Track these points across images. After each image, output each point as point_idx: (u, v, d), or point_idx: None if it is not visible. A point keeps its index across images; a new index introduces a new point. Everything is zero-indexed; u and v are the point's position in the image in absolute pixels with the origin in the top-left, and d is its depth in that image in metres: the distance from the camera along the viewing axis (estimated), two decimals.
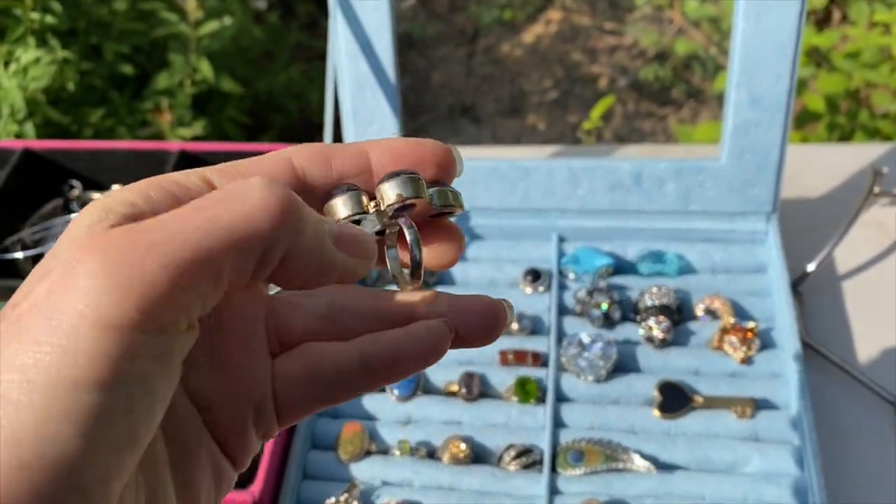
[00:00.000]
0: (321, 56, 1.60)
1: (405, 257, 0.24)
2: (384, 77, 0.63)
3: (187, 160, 0.72)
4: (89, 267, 0.17)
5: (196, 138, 1.33)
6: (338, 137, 0.67)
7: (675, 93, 1.60)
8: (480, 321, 0.22)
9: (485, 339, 0.22)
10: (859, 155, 0.75)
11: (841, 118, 1.41)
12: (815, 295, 0.66)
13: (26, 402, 0.16)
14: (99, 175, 0.75)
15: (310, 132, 1.57)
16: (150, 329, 0.17)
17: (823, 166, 0.75)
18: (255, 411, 0.22)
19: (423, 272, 0.23)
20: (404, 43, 1.63)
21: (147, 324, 0.17)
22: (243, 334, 0.22)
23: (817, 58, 1.52)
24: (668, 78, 1.60)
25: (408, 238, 0.22)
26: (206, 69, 1.34)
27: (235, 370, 0.21)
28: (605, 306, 0.61)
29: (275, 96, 1.54)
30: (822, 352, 0.62)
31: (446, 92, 1.57)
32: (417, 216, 0.23)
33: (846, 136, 1.37)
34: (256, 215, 0.18)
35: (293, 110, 1.54)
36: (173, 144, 0.72)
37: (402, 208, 0.22)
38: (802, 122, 1.42)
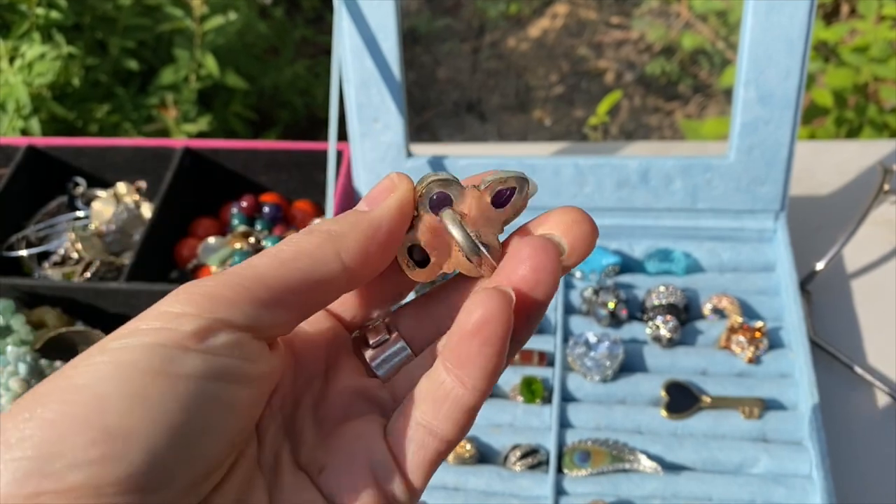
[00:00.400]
0: (326, 51, 1.60)
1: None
2: (389, 73, 0.63)
3: (192, 158, 0.72)
4: None
5: (201, 134, 1.32)
6: (342, 134, 0.67)
7: (681, 87, 1.59)
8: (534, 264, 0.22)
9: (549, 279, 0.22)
10: (868, 152, 0.74)
11: (849, 113, 1.40)
12: (823, 294, 0.65)
13: None
14: (103, 172, 0.75)
15: (315, 128, 1.56)
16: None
17: (832, 163, 0.74)
18: (373, 472, 0.23)
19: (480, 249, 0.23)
20: (409, 38, 1.63)
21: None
22: (347, 403, 0.24)
23: (825, 52, 1.50)
24: (675, 72, 1.59)
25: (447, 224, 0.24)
26: (211, 64, 1.34)
27: (344, 435, 0.23)
28: (611, 305, 0.61)
29: (280, 92, 1.53)
30: (831, 351, 0.61)
31: (452, 87, 1.56)
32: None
33: (854, 132, 1.36)
34: None
35: (298, 106, 1.54)
36: (178, 142, 0.72)
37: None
38: (810, 117, 1.41)
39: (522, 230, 0.24)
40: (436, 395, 0.22)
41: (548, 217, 0.23)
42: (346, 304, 0.26)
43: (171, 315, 0.20)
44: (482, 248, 0.23)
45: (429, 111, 1.52)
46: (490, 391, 0.22)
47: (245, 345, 0.21)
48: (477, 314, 0.21)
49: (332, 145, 0.62)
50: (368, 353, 0.26)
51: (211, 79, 1.37)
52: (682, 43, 1.60)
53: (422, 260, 0.24)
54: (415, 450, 0.22)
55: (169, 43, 1.40)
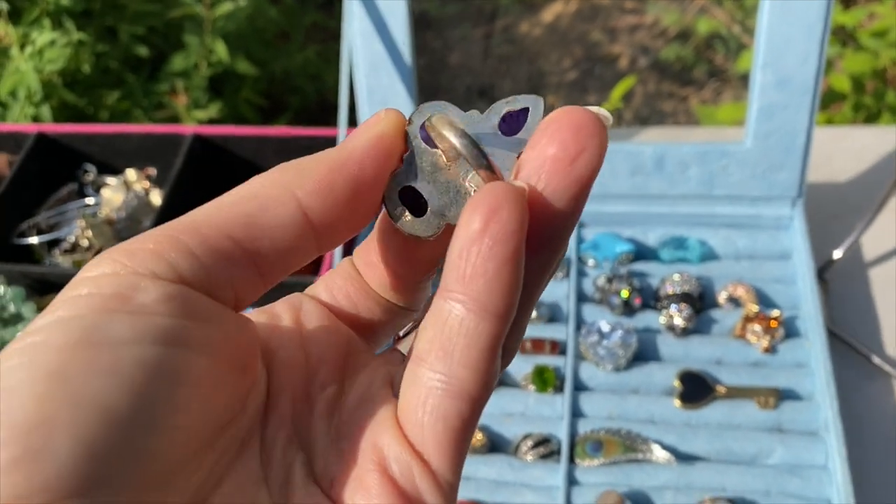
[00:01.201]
0: (337, 36, 1.59)
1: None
2: (399, 57, 0.62)
3: (201, 144, 0.71)
4: None
5: (212, 121, 1.32)
6: (352, 120, 0.66)
7: (696, 73, 1.57)
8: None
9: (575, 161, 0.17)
10: (887, 138, 0.73)
11: (867, 98, 1.38)
12: (841, 283, 0.64)
13: None
14: (113, 159, 0.74)
15: (326, 113, 1.56)
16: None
17: (850, 150, 0.73)
18: (388, 470, 0.18)
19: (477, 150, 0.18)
20: (420, 23, 1.61)
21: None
22: (366, 406, 0.19)
23: (843, 36, 1.48)
24: (690, 58, 1.57)
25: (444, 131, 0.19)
26: (221, 50, 1.33)
27: (355, 437, 0.19)
28: (624, 294, 0.60)
29: (290, 77, 1.52)
30: (848, 341, 0.61)
31: (464, 73, 1.55)
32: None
33: (872, 117, 1.33)
34: None
35: (309, 92, 1.53)
36: (187, 128, 0.71)
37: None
38: (827, 103, 1.38)
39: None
40: (443, 337, 0.17)
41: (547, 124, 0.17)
42: (358, 297, 0.22)
43: (89, 280, 0.16)
44: (487, 155, 0.18)
45: (440, 96, 1.51)
46: (512, 317, 0.17)
47: (187, 301, 0.17)
48: (480, 209, 0.16)
49: (342, 131, 0.62)
50: (399, 345, 0.22)
51: (221, 65, 1.36)
52: (697, 27, 1.58)
53: (418, 206, 0.20)
54: (431, 423, 0.17)
55: (179, 29, 1.40)
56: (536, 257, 0.17)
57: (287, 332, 0.21)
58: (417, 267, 0.21)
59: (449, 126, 0.18)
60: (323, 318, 0.21)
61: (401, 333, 0.22)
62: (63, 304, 0.16)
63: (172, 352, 0.16)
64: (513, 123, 0.19)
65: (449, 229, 0.19)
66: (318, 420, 0.20)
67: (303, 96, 1.54)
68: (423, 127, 0.19)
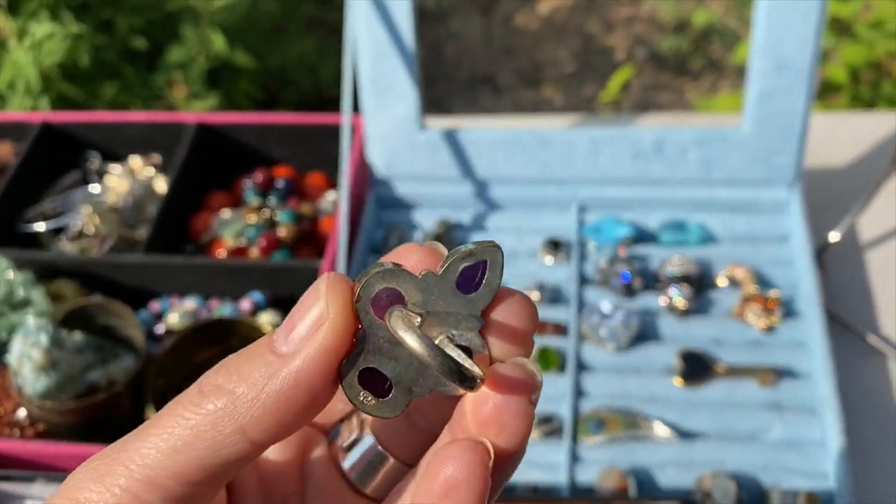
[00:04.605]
0: (335, 29, 1.59)
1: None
2: (402, 45, 0.63)
3: (204, 132, 0.72)
4: None
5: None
6: (355, 108, 0.67)
7: (693, 64, 1.57)
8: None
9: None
10: (884, 124, 0.74)
11: (864, 89, 1.39)
12: (838, 264, 0.65)
13: None
14: (116, 147, 0.75)
15: (323, 107, 1.56)
16: None
17: (848, 135, 0.74)
18: None
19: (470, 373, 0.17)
20: (420, 14, 1.61)
21: None
22: None
23: (839, 28, 1.49)
24: (687, 49, 1.58)
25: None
26: (219, 42, 1.34)
27: None
28: (622, 275, 0.61)
29: (287, 70, 1.53)
30: (845, 321, 0.62)
31: (462, 63, 1.56)
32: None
33: (869, 108, 1.34)
34: None
35: (307, 84, 1.53)
36: (190, 116, 0.72)
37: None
38: (824, 94, 1.39)
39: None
40: None
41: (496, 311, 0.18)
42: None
43: None
44: (459, 357, 0.17)
45: (441, 85, 1.52)
46: None
47: None
48: (446, 472, 0.17)
49: (345, 118, 0.62)
50: (344, 461, 0.21)
51: (219, 57, 1.36)
52: (693, 19, 1.59)
53: (379, 384, 0.19)
54: None
55: (177, 21, 1.40)
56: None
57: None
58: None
59: (409, 331, 0.17)
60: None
61: (344, 446, 0.22)
62: None
63: None
64: (471, 277, 0.18)
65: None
66: None
67: (299, 89, 1.54)
68: (373, 300, 0.18)
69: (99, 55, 1.34)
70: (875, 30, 1.38)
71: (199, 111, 1.32)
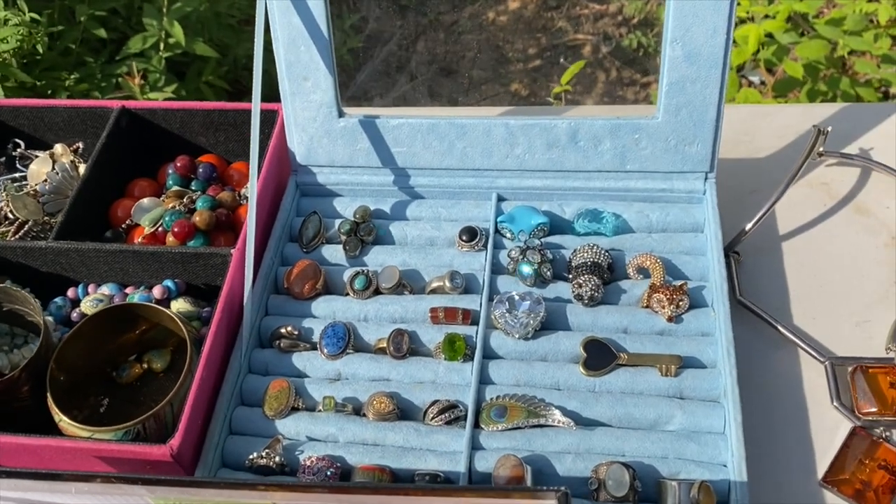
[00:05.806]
0: None
1: None
2: (317, 31, 0.63)
3: (128, 117, 0.72)
4: None
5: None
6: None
7: (658, 60, 1.58)
8: None
9: None
10: (810, 115, 0.74)
11: (822, 85, 1.39)
12: (754, 254, 0.65)
13: None
14: (42, 133, 0.74)
15: None
16: None
17: (772, 127, 0.74)
18: None
19: None
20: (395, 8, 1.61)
21: None
22: None
23: (800, 24, 1.49)
24: (652, 45, 1.58)
25: None
26: (178, 33, 1.33)
27: None
28: (533, 265, 0.61)
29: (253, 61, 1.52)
30: (756, 310, 0.62)
31: (428, 55, 1.55)
32: None
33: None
34: None
35: (273, 75, 1.53)
36: (113, 102, 0.72)
37: None
38: (783, 89, 1.40)
39: None
40: None
41: None
42: None
43: None
44: None
45: (363, 71, 1.51)
46: None
47: None
48: None
49: (255, 107, 0.62)
50: None
51: (179, 47, 1.36)
52: (659, 15, 1.59)
53: None
54: None
55: (141, 12, 1.39)
56: None
57: None
58: None
59: None
60: None
61: None
62: None
63: None
64: None
65: None
66: None
67: (265, 80, 1.54)
68: None
69: (60, 44, 1.33)
70: (834, 27, 1.38)
71: (155, 100, 1.31)
